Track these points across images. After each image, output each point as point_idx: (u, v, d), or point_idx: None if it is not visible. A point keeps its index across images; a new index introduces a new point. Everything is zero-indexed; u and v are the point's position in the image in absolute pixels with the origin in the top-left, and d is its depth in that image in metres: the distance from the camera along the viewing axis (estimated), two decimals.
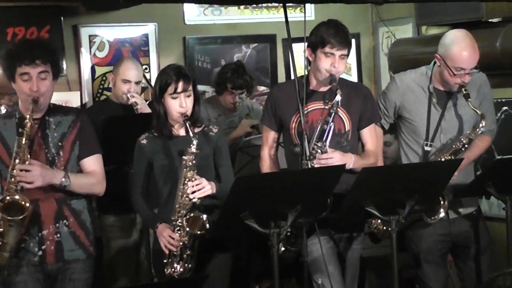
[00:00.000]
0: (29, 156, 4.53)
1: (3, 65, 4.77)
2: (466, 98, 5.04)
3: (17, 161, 4.50)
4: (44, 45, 4.76)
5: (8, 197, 4.47)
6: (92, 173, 4.80)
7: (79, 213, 4.77)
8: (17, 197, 4.47)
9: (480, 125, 5.05)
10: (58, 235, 4.69)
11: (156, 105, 4.90)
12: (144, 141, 4.93)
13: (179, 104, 4.77)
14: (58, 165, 4.68)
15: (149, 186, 5.02)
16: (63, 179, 4.61)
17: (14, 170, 4.49)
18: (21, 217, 4.47)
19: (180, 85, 4.76)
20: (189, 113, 4.79)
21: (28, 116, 4.51)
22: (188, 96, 4.80)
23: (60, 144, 4.71)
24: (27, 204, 4.47)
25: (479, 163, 6.10)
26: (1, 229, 4.51)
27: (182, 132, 4.87)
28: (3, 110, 5.81)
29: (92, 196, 4.94)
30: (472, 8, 6.20)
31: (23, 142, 4.50)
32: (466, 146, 5.09)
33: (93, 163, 4.81)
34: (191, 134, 4.68)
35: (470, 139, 5.09)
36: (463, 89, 5.04)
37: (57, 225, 4.68)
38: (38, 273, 4.72)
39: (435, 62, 5.22)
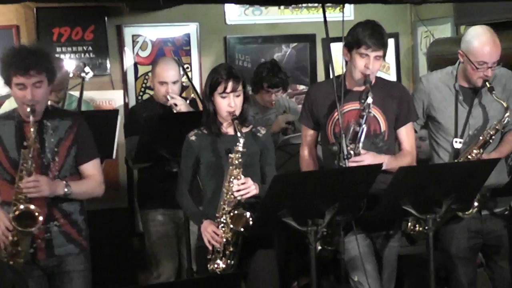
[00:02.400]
0: (34, 165, 4.55)
1: (1, 71, 4.72)
2: (490, 91, 5.04)
3: (24, 172, 4.52)
4: (37, 54, 4.69)
5: (21, 207, 4.51)
6: (91, 177, 4.83)
7: (70, 213, 4.78)
8: (31, 207, 4.52)
9: (506, 115, 5.03)
10: (48, 234, 4.71)
11: (206, 103, 4.92)
12: (193, 138, 4.94)
13: (228, 103, 4.78)
14: (52, 170, 4.69)
15: (194, 183, 5.04)
16: (66, 189, 4.64)
17: (21, 183, 4.51)
18: (34, 228, 4.51)
19: (230, 85, 4.76)
20: (237, 112, 4.80)
21: (32, 129, 4.52)
22: (237, 96, 4.80)
23: (56, 149, 4.71)
24: (40, 218, 4.51)
25: None
26: (16, 238, 4.56)
27: (230, 131, 4.88)
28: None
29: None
30: (509, 8, 6.13)
31: (29, 155, 4.52)
32: (493, 137, 5.07)
33: (92, 168, 4.84)
34: (238, 134, 4.69)
35: (497, 129, 5.07)
36: (487, 83, 5.05)
37: (48, 225, 4.70)
38: (33, 271, 4.74)
39: (460, 62, 5.21)
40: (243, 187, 4.70)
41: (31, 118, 4.52)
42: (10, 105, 6.20)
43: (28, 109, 4.52)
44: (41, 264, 4.73)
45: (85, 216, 4.89)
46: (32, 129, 4.50)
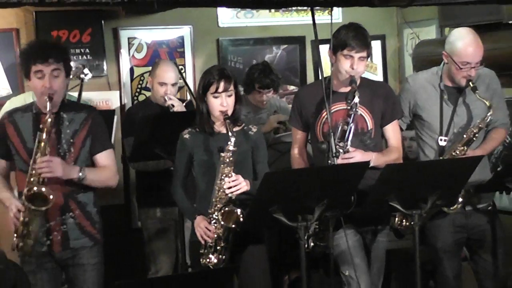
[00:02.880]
0: (49, 149, 4.57)
1: (20, 63, 4.83)
2: (473, 91, 5.06)
3: (38, 155, 4.54)
4: (56, 45, 4.83)
5: (35, 188, 4.52)
6: (105, 168, 4.83)
7: (85, 205, 4.80)
8: (43, 189, 4.52)
9: (488, 114, 5.04)
10: (64, 226, 4.73)
11: (199, 103, 4.91)
12: (187, 136, 4.95)
13: (220, 103, 4.78)
14: (68, 161, 4.70)
15: (189, 179, 5.03)
16: (80, 174, 4.65)
17: (36, 163, 4.53)
18: (44, 208, 4.53)
19: (222, 85, 4.76)
20: (229, 112, 4.80)
21: (48, 113, 4.54)
22: (229, 96, 4.80)
23: (71, 141, 4.73)
24: (51, 196, 4.52)
25: (500, 159, 6.04)
26: (27, 219, 4.56)
27: (223, 130, 4.86)
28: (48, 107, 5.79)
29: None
30: (493, 10, 6.15)
31: (43, 137, 4.54)
32: (477, 135, 5.09)
33: (106, 158, 4.84)
34: (229, 133, 4.68)
35: (480, 127, 5.08)
36: (470, 83, 5.07)
37: (63, 217, 4.73)
38: (46, 263, 4.76)
39: (444, 62, 5.23)
40: (234, 184, 4.69)
41: (48, 107, 4.54)
42: (10, 105, 6.19)
43: (46, 98, 4.55)
44: (56, 256, 4.75)
45: (98, 209, 4.90)
46: (48, 116, 4.53)
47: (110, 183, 4.89)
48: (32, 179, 4.53)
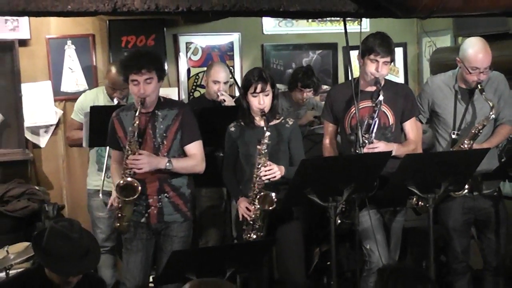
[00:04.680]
0: (138, 147, 4.69)
1: (120, 70, 4.90)
2: (481, 93, 5.01)
3: (129, 152, 4.66)
4: (149, 55, 4.84)
5: (128, 179, 4.67)
6: (193, 156, 4.86)
7: (178, 187, 4.86)
8: (129, 179, 4.67)
9: (491, 113, 5.00)
10: (160, 203, 4.82)
11: (242, 100, 4.94)
12: (232, 129, 4.98)
13: (258, 101, 4.79)
14: (162, 152, 4.78)
15: (236, 165, 5.04)
16: (167, 164, 4.72)
17: (127, 160, 4.66)
18: (134, 197, 4.68)
19: (259, 86, 4.77)
20: (266, 109, 4.80)
21: (136, 116, 4.65)
22: (266, 95, 4.80)
23: (164, 134, 4.79)
24: (139, 188, 4.67)
25: (504, 152, 5.98)
26: (120, 205, 4.73)
27: (262, 123, 4.84)
28: (116, 101, 5.89)
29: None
30: (500, 22, 6.10)
31: (133, 136, 4.65)
32: (481, 131, 5.04)
33: (194, 148, 4.87)
34: (264, 128, 4.69)
35: (484, 124, 5.04)
36: (479, 86, 5.02)
37: (159, 196, 4.81)
38: (142, 233, 4.85)
39: (459, 67, 5.19)
40: (269, 172, 4.71)
41: (138, 110, 4.66)
42: (85, 97, 6.25)
43: (139, 102, 4.66)
44: (152, 227, 4.85)
45: (192, 190, 4.98)
46: (135, 119, 4.64)
47: (197, 169, 4.92)
48: (125, 172, 4.67)
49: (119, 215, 4.75)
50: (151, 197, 4.80)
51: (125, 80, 4.79)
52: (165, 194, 4.82)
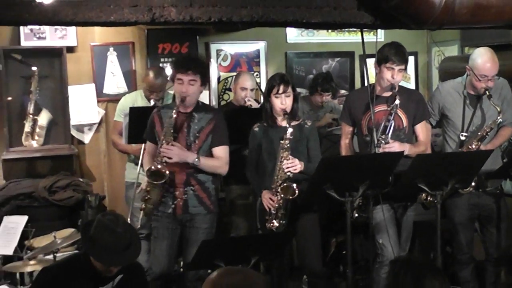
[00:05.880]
0: (172, 138, 4.69)
1: (172, 69, 4.94)
2: (489, 98, 5.00)
3: (164, 142, 4.66)
4: (198, 60, 4.90)
5: (158, 165, 4.67)
6: (219, 158, 4.86)
7: (203, 182, 4.85)
8: (159, 166, 4.66)
9: (498, 117, 4.99)
10: (185, 195, 4.82)
11: (265, 102, 4.95)
12: (257, 129, 4.99)
13: (280, 102, 4.80)
14: (192, 150, 4.79)
15: (259, 162, 5.02)
16: (195, 160, 4.73)
17: (161, 148, 4.66)
18: (161, 181, 4.68)
19: (282, 87, 4.79)
20: (288, 109, 4.81)
21: (174, 111, 4.68)
22: (288, 96, 4.82)
23: (197, 134, 4.80)
24: (167, 172, 4.66)
25: (506, 153, 5.92)
26: (148, 188, 4.73)
27: (283, 123, 4.87)
28: (152, 103, 5.93)
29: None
30: (503, 34, 6.05)
31: (169, 129, 4.68)
32: (489, 133, 5.04)
33: (221, 151, 4.88)
34: (287, 125, 4.70)
35: (491, 127, 5.03)
36: (487, 92, 5.00)
37: (186, 189, 4.81)
38: (169, 223, 4.85)
39: (467, 74, 5.16)
40: (291, 165, 4.71)
41: (178, 106, 4.69)
42: (125, 100, 6.27)
43: (179, 99, 4.70)
44: (178, 218, 4.84)
45: (216, 186, 4.96)
46: (174, 113, 4.67)
47: (220, 171, 4.92)
48: (157, 159, 4.68)
49: (146, 198, 4.76)
50: (178, 189, 4.80)
51: (172, 78, 4.82)
52: (191, 187, 4.81)
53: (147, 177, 4.71)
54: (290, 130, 4.69)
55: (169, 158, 4.65)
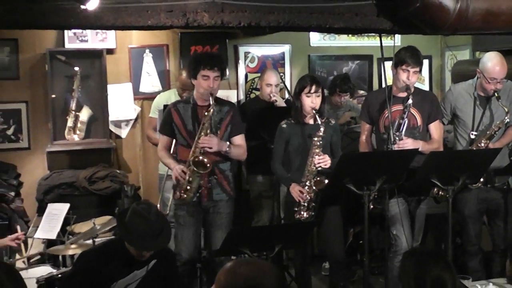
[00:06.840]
0: (209, 131, 4.70)
1: (190, 65, 4.89)
2: (497, 100, 4.99)
3: (202, 134, 4.69)
4: (220, 57, 4.95)
5: (200, 157, 4.70)
6: (240, 146, 4.91)
7: (224, 171, 4.89)
8: (201, 157, 4.70)
9: (506, 117, 4.98)
10: (210, 184, 4.83)
11: (295, 100, 4.93)
12: (284, 125, 4.96)
13: (311, 100, 4.80)
14: None
15: (284, 158, 5.02)
16: (228, 149, 4.79)
17: (200, 139, 4.67)
18: (204, 172, 4.70)
19: (313, 87, 4.81)
20: (317, 108, 4.81)
21: (211, 106, 4.67)
22: (318, 96, 4.82)
23: (218, 125, 4.82)
24: (208, 165, 4.69)
25: None
26: (190, 178, 4.72)
27: (311, 121, 4.87)
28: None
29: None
30: None
31: (206, 122, 4.68)
32: (497, 132, 5.01)
33: (240, 139, 4.94)
34: (319, 122, 4.71)
35: (500, 127, 5.02)
36: (496, 93, 4.98)
37: (210, 178, 4.82)
38: (194, 211, 4.86)
39: (478, 77, 5.13)
40: (323, 160, 4.70)
41: (211, 101, 4.68)
42: (160, 98, 6.31)
43: (209, 95, 4.69)
44: (203, 205, 4.86)
45: (233, 173, 5.01)
46: (211, 107, 4.67)
47: (242, 157, 5.01)
48: (196, 150, 4.69)
49: (188, 187, 4.74)
50: (203, 179, 4.80)
51: (193, 75, 4.77)
52: (214, 176, 4.83)
53: (192, 166, 4.66)
54: (322, 128, 4.69)
55: (210, 148, 4.68)
